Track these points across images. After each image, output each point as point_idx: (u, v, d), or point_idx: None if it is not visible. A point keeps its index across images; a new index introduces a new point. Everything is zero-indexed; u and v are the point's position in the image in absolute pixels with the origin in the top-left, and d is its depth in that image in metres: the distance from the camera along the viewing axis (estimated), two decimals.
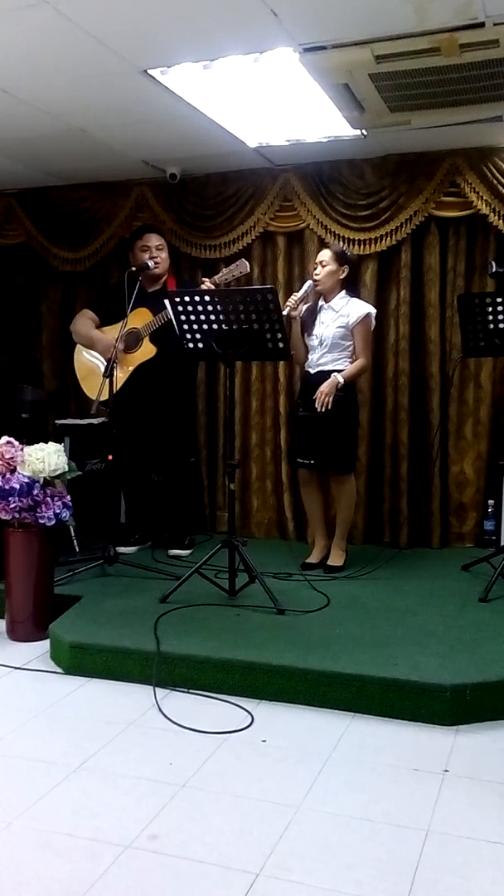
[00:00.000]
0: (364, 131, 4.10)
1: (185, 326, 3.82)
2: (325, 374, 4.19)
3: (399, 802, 2.35)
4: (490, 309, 3.84)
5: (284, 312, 4.09)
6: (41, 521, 3.64)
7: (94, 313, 4.72)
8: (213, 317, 3.74)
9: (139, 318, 4.45)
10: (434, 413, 4.87)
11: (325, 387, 4.12)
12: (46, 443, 3.74)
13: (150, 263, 4.52)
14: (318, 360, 4.26)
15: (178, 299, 3.78)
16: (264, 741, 2.74)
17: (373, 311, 4.30)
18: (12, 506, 3.60)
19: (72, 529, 4.55)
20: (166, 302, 3.98)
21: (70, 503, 3.75)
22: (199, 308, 3.74)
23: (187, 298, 3.75)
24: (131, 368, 4.47)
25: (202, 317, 3.76)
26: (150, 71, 3.39)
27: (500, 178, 4.50)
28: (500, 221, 4.56)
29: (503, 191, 4.51)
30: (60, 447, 3.77)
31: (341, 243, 4.72)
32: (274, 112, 3.91)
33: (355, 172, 4.78)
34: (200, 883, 1.99)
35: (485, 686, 2.89)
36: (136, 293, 4.34)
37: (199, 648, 3.21)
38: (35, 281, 5.60)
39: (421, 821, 2.26)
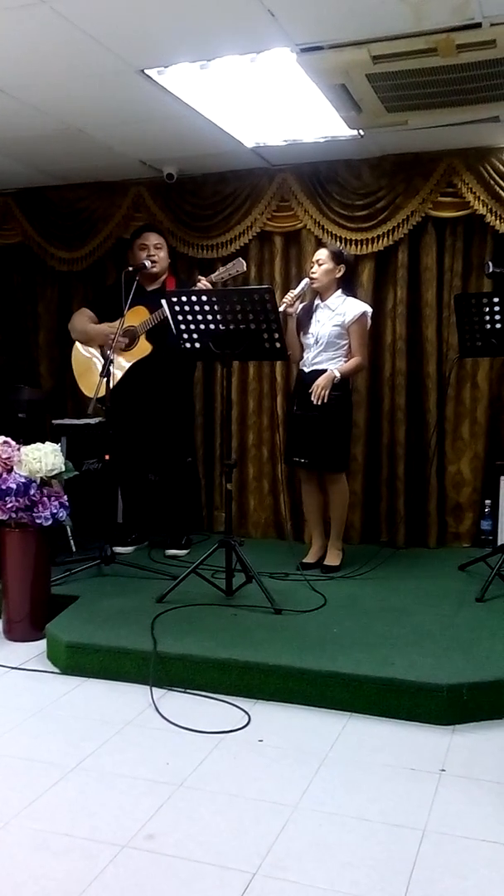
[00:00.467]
0: (361, 131, 4.11)
1: (183, 326, 3.82)
2: (319, 373, 4.20)
3: (396, 802, 2.35)
4: (487, 309, 3.85)
5: (281, 309, 4.10)
6: (38, 520, 3.64)
7: (92, 312, 4.72)
8: (210, 317, 3.74)
9: (136, 316, 4.45)
10: (431, 413, 4.87)
11: (321, 380, 4.13)
12: (43, 442, 3.74)
13: (147, 263, 4.52)
14: (313, 358, 4.26)
15: (174, 299, 3.78)
16: (261, 741, 2.74)
17: (369, 310, 4.31)
18: (9, 506, 3.60)
19: (69, 529, 4.55)
20: (163, 302, 3.98)
21: (67, 503, 3.74)
22: (197, 308, 3.74)
23: (184, 298, 3.75)
24: (127, 365, 4.47)
25: (199, 317, 3.76)
26: (147, 71, 3.39)
27: (497, 178, 4.51)
28: (497, 222, 4.56)
29: (500, 191, 4.52)
30: (57, 447, 3.77)
31: (338, 243, 4.72)
32: (271, 112, 3.91)
33: (352, 172, 4.78)
34: (197, 882, 1.99)
35: (481, 686, 2.89)
36: (136, 292, 4.34)
37: (196, 648, 3.21)
38: (32, 281, 5.60)
39: (418, 820, 2.26)
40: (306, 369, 4.30)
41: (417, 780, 2.48)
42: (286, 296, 4.24)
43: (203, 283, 4.27)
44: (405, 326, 4.83)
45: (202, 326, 3.78)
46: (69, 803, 2.36)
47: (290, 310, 4.22)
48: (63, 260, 5.38)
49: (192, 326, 3.80)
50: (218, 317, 3.73)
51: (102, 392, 4.13)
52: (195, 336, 3.83)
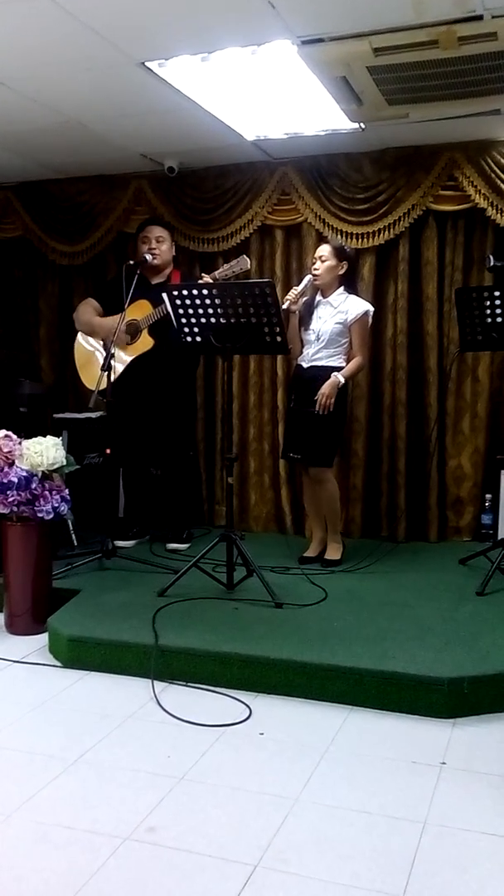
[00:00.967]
0: (362, 124, 4.10)
1: (184, 320, 3.82)
2: (318, 369, 4.19)
3: (396, 795, 2.36)
4: (488, 303, 3.84)
5: (284, 306, 4.10)
6: (39, 514, 3.64)
7: (98, 302, 4.71)
8: (211, 310, 3.74)
9: (139, 310, 4.44)
10: (432, 407, 4.87)
11: (326, 388, 4.11)
12: (44, 436, 3.74)
13: (148, 257, 4.51)
14: (313, 354, 4.26)
15: (176, 293, 3.78)
16: (262, 734, 2.75)
17: (371, 309, 4.30)
18: (10, 499, 3.60)
19: (70, 523, 4.55)
20: (164, 295, 3.98)
21: (68, 497, 3.75)
22: (198, 302, 3.73)
23: (185, 292, 3.75)
24: (129, 358, 4.46)
25: (200, 310, 3.75)
26: (147, 63, 3.38)
27: (499, 171, 4.50)
28: (498, 215, 4.55)
29: (501, 184, 4.50)
30: (59, 441, 3.77)
31: (339, 237, 4.71)
32: (272, 105, 3.90)
33: (353, 166, 4.77)
34: (198, 875, 2.00)
35: (482, 679, 2.89)
36: (140, 285, 4.34)
37: (198, 642, 3.21)
38: (33, 275, 5.59)
39: (418, 813, 2.26)
40: (305, 364, 4.29)
41: (418, 773, 2.49)
42: (290, 292, 4.23)
43: (206, 281, 4.25)
44: (406, 320, 4.83)
45: (203, 320, 3.78)
46: (71, 796, 2.36)
47: (293, 306, 4.21)
48: (64, 254, 5.38)
49: (193, 320, 3.80)
50: (219, 310, 3.72)
51: (103, 385, 4.13)
52: (196, 330, 3.82)
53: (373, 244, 4.78)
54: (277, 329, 3.71)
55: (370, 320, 4.29)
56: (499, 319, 3.84)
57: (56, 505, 3.67)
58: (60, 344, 5.50)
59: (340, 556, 4.38)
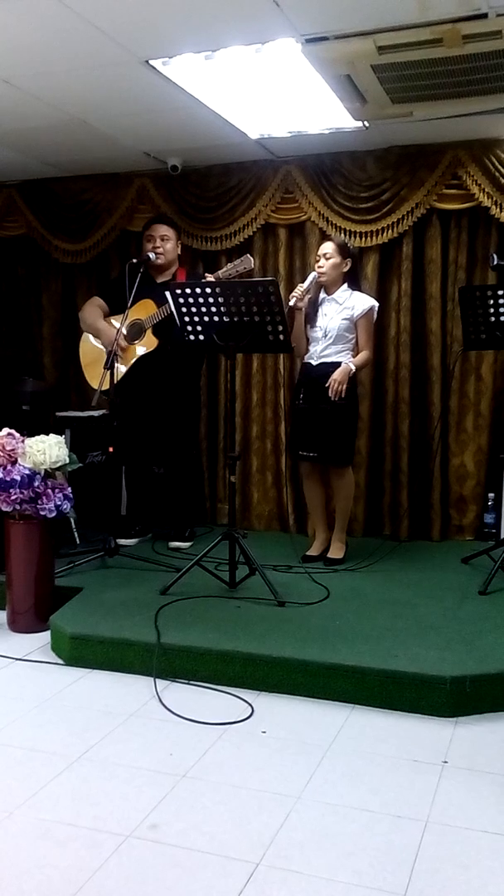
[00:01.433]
0: (366, 123, 4.09)
1: (187, 319, 3.82)
2: (328, 366, 4.20)
3: (398, 793, 2.36)
4: (491, 302, 3.84)
5: (290, 303, 4.11)
6: (42, 512, 3.64)
7: (103, 300, 4.71)
8: (214, 309, 3.74)
9: (143, 310, 4.43)
10: (435, 406, 4.87)
11: (337, 374, 4.13)
12: (47, 434, 3.75)
13: (151, 255, 4.51)
14: (321, 351, 4.26)
15: (178, 291, 3.78)
16: (264, 732, 2.75)
17: (376, 304, 4.31)
18: (13, 497, 3.60)
19: (72, 521, 4.55)
20: (167, 294, 3.97)
21: (71, 495, 3.75)
22: (201, 300, 3.73)
23: (188, 290, 3.74)
24: (133, 359, 4.46)
25: (203, 309, 3.75)
26: (151, 61, 3.38)
27: (503, 170, 4.49)
28: (502, 214, 4.55)
29: None
30: (61, 439, 3.77)
31: (343, 235, 4.71)
32: (276, 103, 3.89)
33: (357, 164, 4.76)
34: (200, 872, 2.00)
35: (484, 678, 2.90)
36: (146, 283, 4.33)
37: (200, 640, 3.21)
38: (36, 273, 5.59)
39: (420, 811, 2.26)
40: (314, 362, 4.29)
41: (420, 771, 2.49)
42: (295, 290, 4.22)
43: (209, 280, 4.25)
44: (409, 319, 4.82)
45: (206, 319, 3.78)
46: (73, 793, 2.37)
47: (300, 304, 4.21)
48: (67, 252, 5.38)
49: (197, 319, 3.80)
50: (222, 309, 3.72)
51: (106, 385, 4.13)
52: (199, 328, 3.82)
53: (376, 242, 4.78)
54: (280, 327, 3.71)
55: (375, 315, 4.30)
56: (502, 318, 3.84)
57: (59, 503, 3.67)
58: (63, 342, 5.50)
59: (343, 554, 4.38)
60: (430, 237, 4.79)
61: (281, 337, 3.74)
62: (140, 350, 4.44)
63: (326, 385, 4.13)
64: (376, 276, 4.84)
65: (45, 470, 3.67)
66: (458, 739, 2.69)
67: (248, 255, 4.26)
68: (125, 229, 5.23)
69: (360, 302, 4.24)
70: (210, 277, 4.26)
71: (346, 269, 4.27)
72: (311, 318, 4.30)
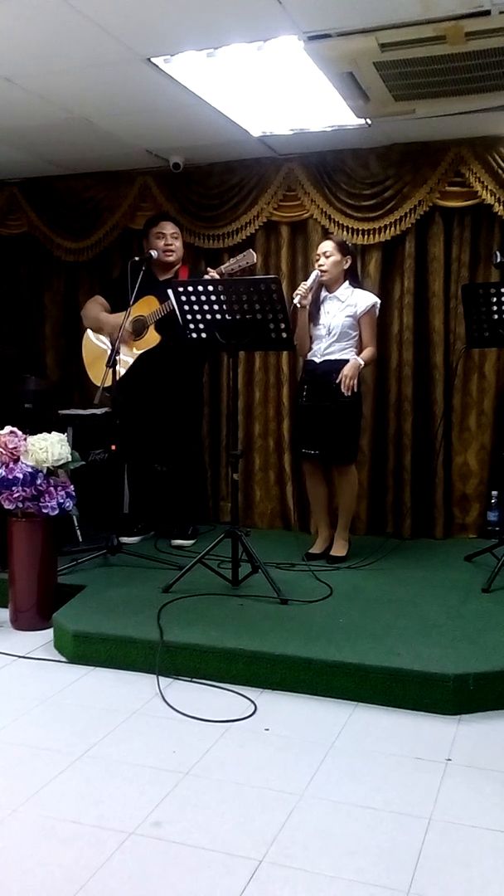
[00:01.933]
0: (368, 120, 4.09)
1: (189, 317, 3.82)
2: (332, 363, 4.19)
3: (401, 791, 2.36)
4: (494, 299, 3.83)
5: (295, 301, 4.11)
6: (44, 510, 3.65)
7: (105, 300, 4.71)
8: (216, 307, 3.73)
9: (146, 306, 4.43)
10: (438, 404, 4.86)
11: (347, 370, 4.13)
12: (50, 433, 3.75)
13: (154, 253, 4.50)
14: (325, 349, 4.25)
15: (181, 289, 3.77)
16: (267, 730, 2.75)
17: (378, 301, 4.31)
18: (16, 495, 3.61)
19: (75, 519, 4.56)
20: (169, 292, 3.97)
21: (73, 493, 3.75)
22: (203, 298, 3.73)
23: (191, 288, 3.74)
24: (136, 354, 4.46)
25: (206, 307, 3.75)
26: (153, 59, 3.38)
27: None
28: None
29: None
30: (64, 437, 3.77)
31: (345, 233, 4.71)
32: (278, 101, 3.89)
33: (359, 162, 4.76)
34: (203, 870, 2.00)
35: (487, 676, 2.89)
36: (149, 281, 4.33)
37: (203, 638, 3.21)
38: (38, 271, 5.59)
39: (423, 809, 2.26)
40: (317, 360, 4.28)
41: (423, 769, 2.49)
42: (299, 288, 4.21)
43: (212, 275, 4.24)
44: (412, 317, 4.82)
45: (209, 317, 3.77)
46: (76, 791, 2.37)
47: (304, 302, 4.21)
48: (69, 250, 5.38)
49: (199, 317, 3.79)
50: (224, 307, 3.72)
51: (108, 382, 4.13)
52: (201, 326, 3.82)
53: (379, 240, 4.78)
54: (283, 325, 3.70)
55: (378, 311, 4.30)
56: None
57: (61, 501, 3.67)
58: (66, 340, 5.50)
59: (346, 552, 4.38)
60: (433, 235, 4.78)
61: (283, 335, 3.73)
62: (142, 346, 4.44)
63: (336, 382, 4.13)
64: (379, 273, 4.84)
65: (48, 468, 3.67)
66: (461, 737, 2.69)
67: (251, 249, 4.26)
68: (127, 227, 5.23)
69: (362, 299, 4.24)
70: (213, 272, 4.26)
71: (346, 267, 4.27)
72: (313, 316, 4.30)
